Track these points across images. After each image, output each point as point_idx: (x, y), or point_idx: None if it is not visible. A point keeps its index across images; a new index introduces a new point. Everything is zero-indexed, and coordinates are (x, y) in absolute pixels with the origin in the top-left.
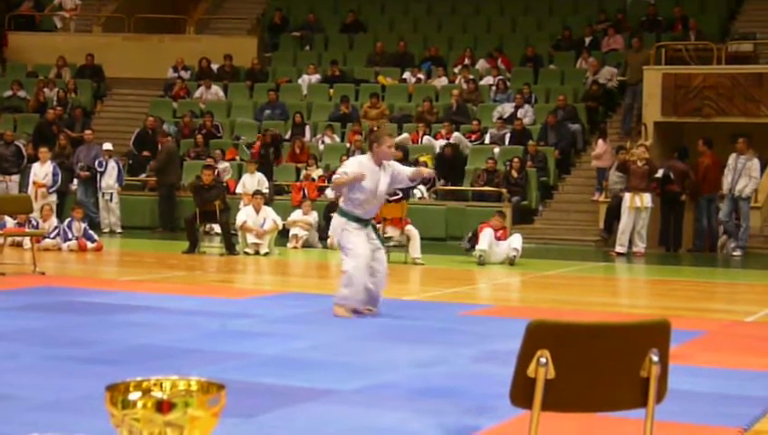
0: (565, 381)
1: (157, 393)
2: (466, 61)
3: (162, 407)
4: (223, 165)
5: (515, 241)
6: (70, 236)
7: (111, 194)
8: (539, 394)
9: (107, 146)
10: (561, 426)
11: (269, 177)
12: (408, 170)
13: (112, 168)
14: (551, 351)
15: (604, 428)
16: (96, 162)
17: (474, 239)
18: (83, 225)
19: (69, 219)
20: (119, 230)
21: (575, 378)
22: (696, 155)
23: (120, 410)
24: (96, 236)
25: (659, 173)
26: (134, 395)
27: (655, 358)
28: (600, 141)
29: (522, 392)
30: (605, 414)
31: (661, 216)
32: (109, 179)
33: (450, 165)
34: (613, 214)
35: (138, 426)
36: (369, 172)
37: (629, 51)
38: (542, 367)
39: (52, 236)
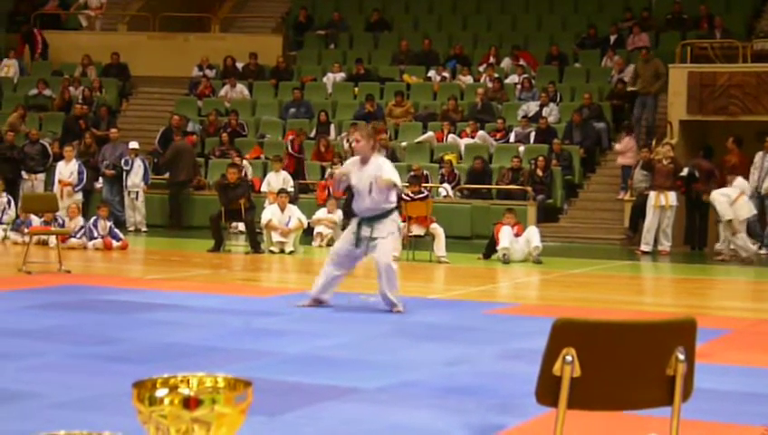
0: (591, 379)
1: (184, 390)
2: (491, 59)
3: (189, 403)
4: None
5: (534, 238)
6: (95, 234)
7: (137, 192)
8: (564, 392)
9: (133, 144)
10: (586, 424)
11: (300, 175)
12: (383, 175)
13: (138, 166)
14: (576, 349)
15: (630, 426)
16: (122, 161)
17: (491, 246)
18: (109, 223)
19: (94, 218)
20: (144, 229)
21: (601, 376)
22: (721, 153)
23: (147, 407)
24: (121, 235)
25: (684, 172)
26: (161, 392)
27: (681, 356)
28: (627, 138)
29: (547, 391)
30: (631, 412)
31: (686, 214)
32: (135, 178)
33: (480, 178)
34: (638, 212)
35: (165, 423)
36: (354, 170)
37: (639, 62)
38: (568, 365)
39: (78, 235)
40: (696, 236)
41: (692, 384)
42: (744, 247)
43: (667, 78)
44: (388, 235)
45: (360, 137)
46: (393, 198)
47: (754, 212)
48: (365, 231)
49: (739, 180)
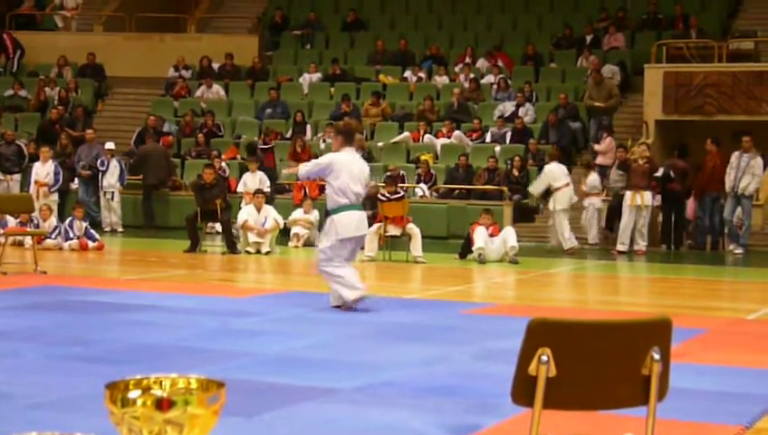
0: (566, 379)
1: (156, 391)
2: (467, 59)
3: (162, 405)
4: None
5: (510, 238)
6: (71, 235)
7: (113, 193)
8: (540, 392)
9: (109, 145)
10: (562, 424)
11: (273, 176)
12: None
13: (114, 167)
14: (552, 349)
15: (606, 426)
16: (98, 161)
17: (466, 246)
18: (84, 224)
19: (70, 218)
20: (120, 229)
21: (576, 376)
22: (698, 154)
23: (119, 408)
24: (97, 236)
25: (660, 172)
26: (134, 393)
27: (656, 356)
28: (608, 138)
29: (523, 391)
30: (607, 412)
31: (662, 214)
32: (111, 178)
33: (463, 177)
34: (614, 212)
35: (137, 424)
36: None
37: (590, 84)
38: (544, 365)
39: (53, 235)
40: (672, 236)
41: (667, 384)
42: (566, 238)
43: (620, 97)
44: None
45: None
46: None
47: (575, 199)
48: None
49: (592, 177)
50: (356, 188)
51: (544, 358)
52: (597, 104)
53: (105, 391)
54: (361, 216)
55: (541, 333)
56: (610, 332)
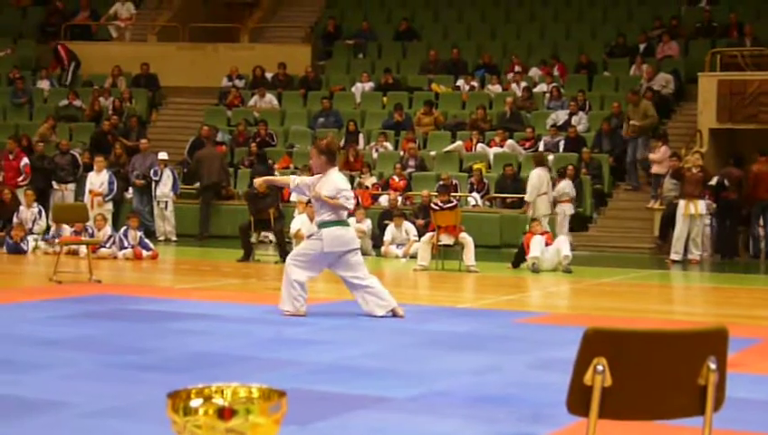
0: (622, 388)
1: (218, 400)
2: (517, 68)
3: (224, 414)
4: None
5: (564, 247)
6: (126, 244)
7: (167, 202)
8: (596, 402)
9: (162, 155)
10: (617, 434)
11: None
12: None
13: (167, 176)
14: (607, 358)
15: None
16: (151, 171)
17: (519, 255)
18: (139, 233)
19: (124, 228)
20: (174, 238)
21: (632, 386)
22: (751, 162)
23: (181, 417)
24: (152, 245)
25: (714, 181)
26: (195, 402)
27: (712, 365)
28: (663, 147)
29: (578, 400)
30: (662, 423)
31: (717, 223)
32: (164, 188)
33: (510, 184)
34: (668, 221)
35: (199, 433)
36: None
37: (629, 106)
38: (599, 375)
39: (107, 245)
40: (727, 245)
41: (724, 394)
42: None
43: (658, 115)
44: None
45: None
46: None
47: (549, 212)
48: None
49: (563, 183)
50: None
51: (600, 368)
52: (633, 122)
53: (167, 401)
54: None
55: (596, 342)
56: (666, 341)
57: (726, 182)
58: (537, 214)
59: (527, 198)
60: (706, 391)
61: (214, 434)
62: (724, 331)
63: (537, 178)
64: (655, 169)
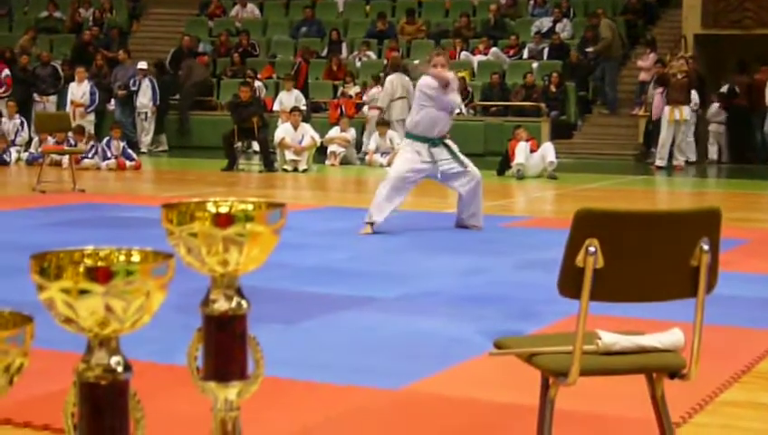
0: (614, 270)
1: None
2: None
3: (220, 221)
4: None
5: (549, 153)
6: (109, 155)
7: (146, 113)
8: (587, 284)
9: (141, 65)
10: (606, 326)
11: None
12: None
13: (147, 86)
14: (599, 240)
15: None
16: (131, 81)
17: (504, 162)
18: (122, 144)
19: (107, 138)
20: (156, 149)
21: (624, 267)
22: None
23: (176, 226)
24: (135, 155)
25: (724, 88)
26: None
27: (705, 247)
28: (652, 54)
29: (570, 282)
30: (651, 318)
31: (729, 131)
32: (143, 98)
33: (496, 93)
34: (653, 128)
35: (196, 242)
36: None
37: (596, 21)
38: (591, 256)
39: (90, 155)
40: (740, 151)
41: (716, 276)
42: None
43: (610, 39)
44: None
45: (445, 62)
46: None
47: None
48: (439, 153)
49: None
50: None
51: (592, 249)
52: (588, 50)
53: (161, 211)
54: None
55: (588, 223)
56: (659, 222)
57: (737, 89)
58: (392, 118)
59: (379, 103)
60: (699, 273)
61: (211, 242)
62: (718, 212)
63: (390, 84)
64: (642, 76)
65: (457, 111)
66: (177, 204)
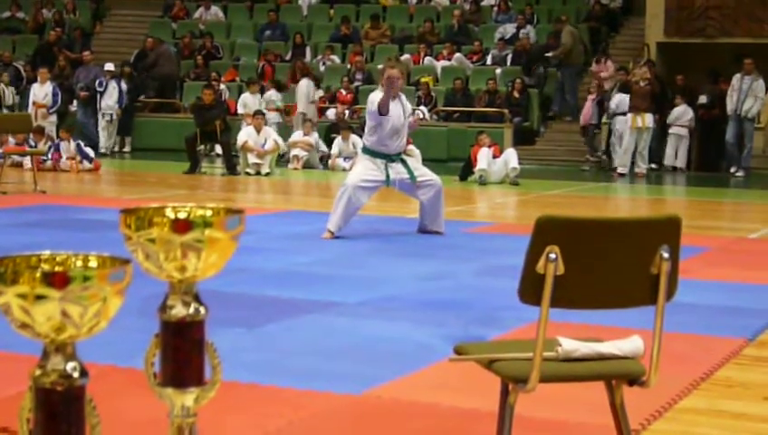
0: (574, 277)
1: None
2: None
3: (179, 227)
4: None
5: (512, 160)
6: (63, 156)
7: (111, 115)
8: (548, 290)
9: (108, 66)
10: (566, 332)
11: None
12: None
13: (113, 88)
14: (560, 247)
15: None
16: (96, 82)
17: (467, 168)
18: (73, 144)
19: (58, 140)
20: (120, 150)
21: (585, 274)
22: (701, 77)
23: (133, 232)
24: (92, 155)
25: (704, 99)
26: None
27: (665, 254)
28: (608, 61)
29: (531, 289)
30: (611, 325)
31: (701, 140)
32: (109, 100)
33: (460, 99)
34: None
35: (154, 248)
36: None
37: (560, 26)
38: (552, 263)
39: (49, 156)
40: (711, 161)
41: (676, 283)
42: None
43: (569, 46)
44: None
45: (397, 74)
46: None
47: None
48: (396, 168)
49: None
50: None
51: (552, 256)
52: (547, 55)
53: (120, 216)
54: None
55: (549, 230)
56: (619, 229)
57: (709, 100)
58: (312, 119)
59: (300, 107)
60: (659, 280)
61: (170, 248)
62: (677, 220)
63: (306, 87)
64: (607, 86)
65: (412, 118)
66: (136, 209)
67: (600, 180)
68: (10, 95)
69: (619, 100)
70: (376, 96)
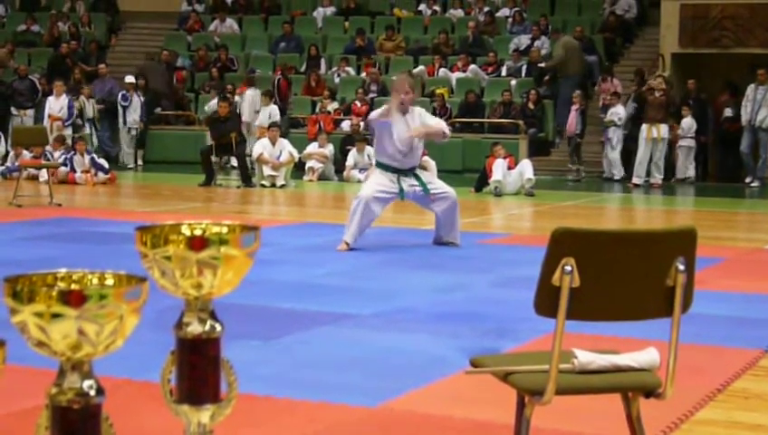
0: (590, 289)
1: (187, 231)
2: None
3: (194, 244)
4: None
5: (527, 171)
6: (77, 169)
7: (136, 129)
8: (564, 302)
9: (129, 79)
10: (582, 344)
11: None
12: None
13: (137, 102)
14: (576, 259)
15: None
16: (120, 96)
17: (482, 179)
18: (87, 157)
19: (71, 153)
20: (141, 163)
21: (600, 286)
22: (715, 88)
23: (150, 249)
24: (107, 166)
25: (729, 113)
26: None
27: (681, 266)
28: (614, 79)
29: (546, 301)
30: (627, 337)
31: (719, 152)
32: (134, 114)
33: (472, 112)
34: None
35: (170, 265)
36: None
37: (556, 36)
38: (567, 275)
39: (65, 161)
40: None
41: (692, 295)
42: None
43: (563, 56)
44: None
45: (408, 88)
46: None
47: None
48: (408, 181)
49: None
50: None
51: (568, 268)
52: (540, 65)
53: (135, 233)
54: None
55: (565, 242)
56: (635, 241)
57: (734, 113)
58: (262, 123)
59: (245, 118)
60: (674, 292)
61: (185, 265)
62: (693, 231)
63: (252, 98)
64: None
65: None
66: (152, 226)
67: (615, 191)
68: (91, 108)
69: (612, 112)
70: (378, 110)
